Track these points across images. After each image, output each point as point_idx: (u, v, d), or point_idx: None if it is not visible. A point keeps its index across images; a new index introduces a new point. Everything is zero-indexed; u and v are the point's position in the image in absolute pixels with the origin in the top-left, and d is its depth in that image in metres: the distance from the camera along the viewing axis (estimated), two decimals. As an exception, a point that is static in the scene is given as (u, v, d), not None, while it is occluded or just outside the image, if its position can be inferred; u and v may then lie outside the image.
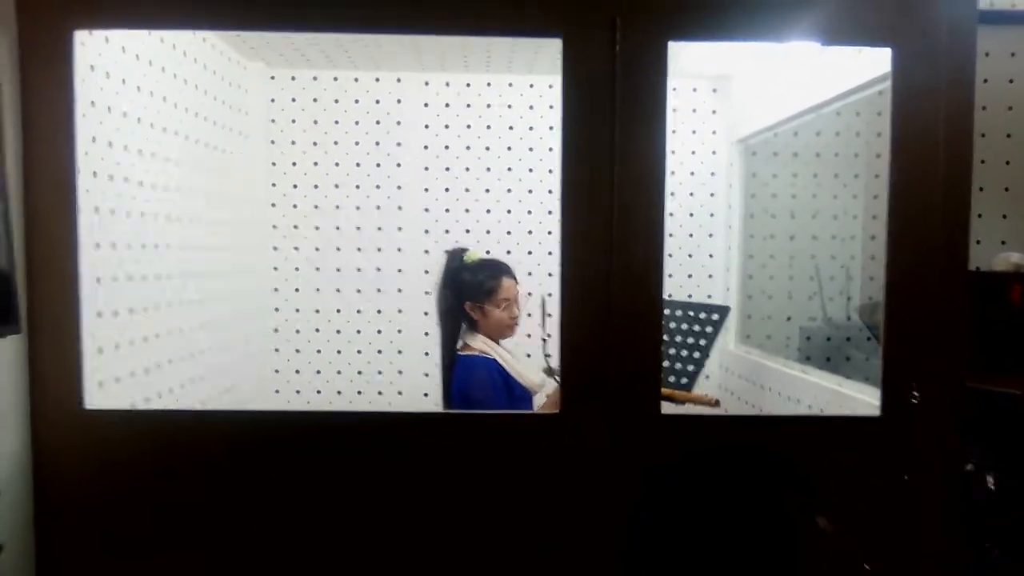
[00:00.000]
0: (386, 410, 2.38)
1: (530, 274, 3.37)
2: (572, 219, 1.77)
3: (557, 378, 2.63)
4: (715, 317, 2.82)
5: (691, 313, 2.88)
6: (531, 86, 3.38)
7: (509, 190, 3.40)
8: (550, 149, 3.39)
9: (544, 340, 2.72)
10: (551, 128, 3.39)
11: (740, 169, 3.37)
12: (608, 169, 1.75)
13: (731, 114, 3.42)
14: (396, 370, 3.46)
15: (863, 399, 2.30)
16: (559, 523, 1.79)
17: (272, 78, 3.29)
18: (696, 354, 2.76)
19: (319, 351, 3.43)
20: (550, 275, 3.38)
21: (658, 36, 1.74)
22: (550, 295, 2.93)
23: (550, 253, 3.41)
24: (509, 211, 3.41)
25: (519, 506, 1.80)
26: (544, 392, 2.64)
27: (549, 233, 3.41)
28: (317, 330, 3.42)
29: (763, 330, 3.43)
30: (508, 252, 3.36)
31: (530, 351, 2.92)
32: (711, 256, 3.50)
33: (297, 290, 3.39)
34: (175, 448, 1.77)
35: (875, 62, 2.27)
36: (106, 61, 2.03)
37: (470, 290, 2.47)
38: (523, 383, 2.48)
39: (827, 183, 3.38)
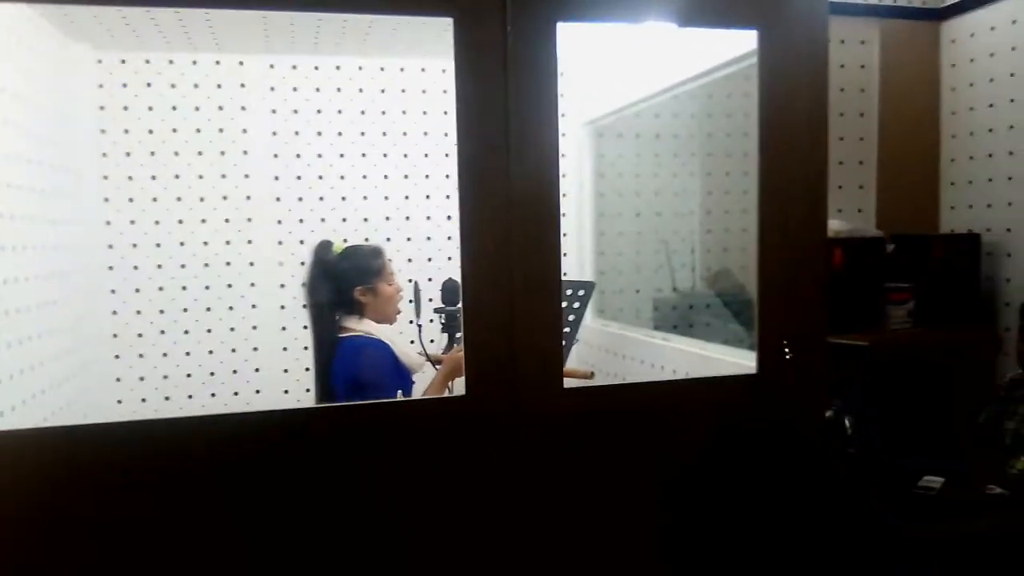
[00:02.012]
0: (288, 408, 2.22)
1: (410, 260, 3.33)
2: (470, 201, 1.76)
3: (437, 365, 2.62)
4: (581, 293, 2.92)
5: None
6: (382, 69, 3.32)
7: (364, 176, 3.33)
8: (404, 133, 3.35)
9: (420, 326, 2.70)
10: (404, 112, 3.35)
11: (589, 150, 3.50)
12: (503, 151, 1.76)
13: (578, 97, 3.53)
14: (252, 368, 3.29)
15: (726, 359, 2.49)
16: (474, 504, 1.80)
17: (99, 61, 3.01)
18: (566, 329, 2.84)
19: (165, 354, 3.20)
20: (430, 260, 3.36)
21: (547, 17, 1.77)
22: (428, 279, 2.92)
23: (407, 239, 3.37)
24: (365, 197, 3.34)
25: (431, 490, 1.78)
26: (422, 375, 2.63)
27: (407, 219, 3.38)
28: (162, 332, 3.18)
29: (615, 303, 3.60)
30: (388, 239, 3.29)
31: (407, 337, 2.88)
32: (564, 235, 3.61)
33: (137, 290, 3.14)
34: (20, 471, 1.57)
35: (716, 49, 2.46)
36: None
37: (356, 275, 2.41)
38: (408, 363, 2.46)
39: (667, 162, 3.59)
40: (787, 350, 1.98)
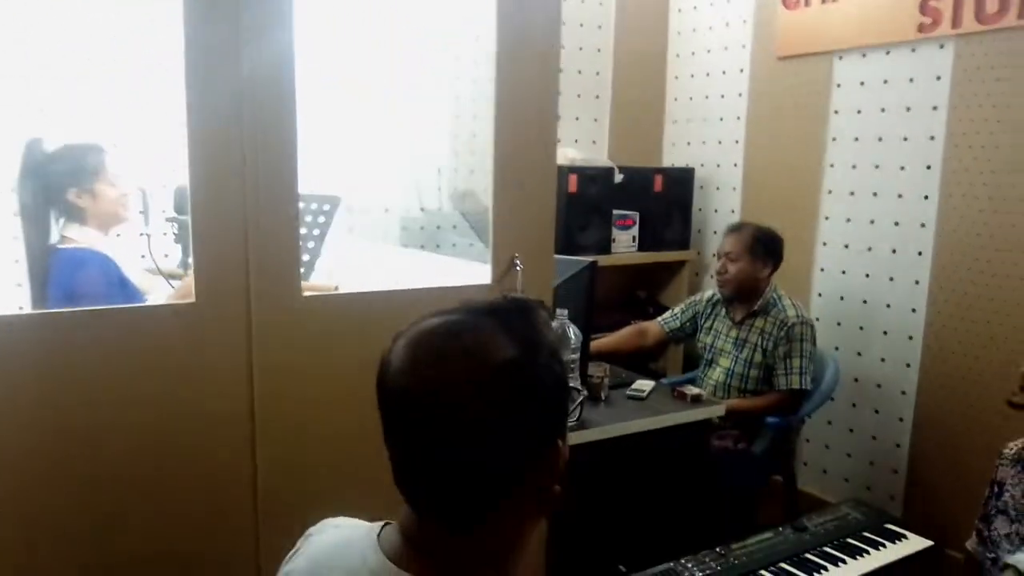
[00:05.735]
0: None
1: (138, 165, 3.03)
2: (197, 103, 1.65)
3: (172, 282, 2.47)
4: (327, 207, 2.88)
5: (302, 204, 2.89)
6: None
7: (79, 67, 2.97)
8: (126, 27, 3.03)
9: (150, 236, 2.52)
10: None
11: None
12: (234, 49, 1.67)
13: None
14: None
15: (468, 272, 2.60)
16: (207, 412, 1.75)
17: None
18: (311, 244, 2.80)
19: None
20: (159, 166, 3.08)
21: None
22: (162, 186, 2.71)
23: (132, 140, 3.08)
24: (82, 93, 2.98)
25: (158, 401, 1.71)
26: (153, 297, 2.47)
27: (132, 118, 3.07)
28: None
29: (363, 221, 3.59)
30: (112, 142, 2.96)
31: (138, 250, 2.67)
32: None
33: None
34: None
35: None
36: None
37: (71, 176, 2.18)
38: (138, 282, 2.29)
39: (419, 82, 3.59)
40: (518, 263, 2.11)
